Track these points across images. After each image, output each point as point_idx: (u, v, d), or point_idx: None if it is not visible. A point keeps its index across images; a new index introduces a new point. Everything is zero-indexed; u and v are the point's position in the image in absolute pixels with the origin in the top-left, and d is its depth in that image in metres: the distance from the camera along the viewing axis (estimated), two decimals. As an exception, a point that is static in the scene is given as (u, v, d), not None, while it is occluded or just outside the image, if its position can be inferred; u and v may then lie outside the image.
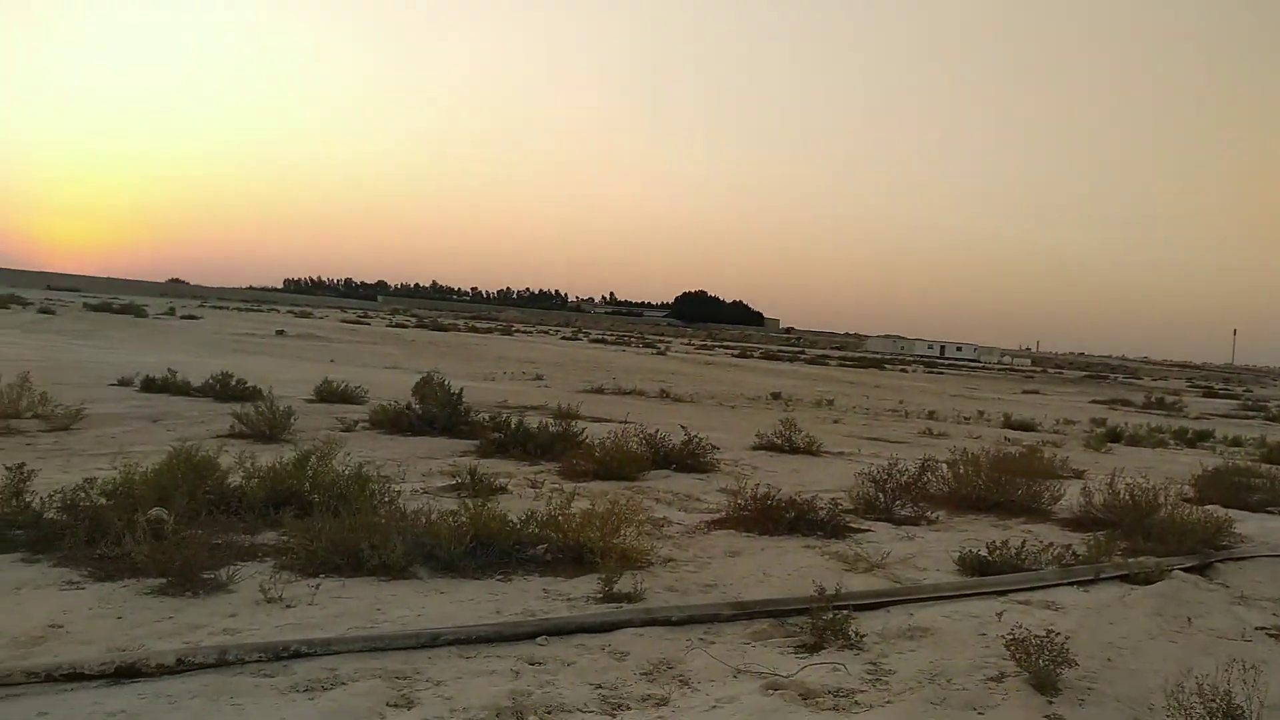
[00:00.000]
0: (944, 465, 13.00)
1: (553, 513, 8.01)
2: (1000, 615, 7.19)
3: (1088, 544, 9.33)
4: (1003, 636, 6.54)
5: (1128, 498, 11.27)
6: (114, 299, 76.88)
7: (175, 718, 4.37)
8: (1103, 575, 8.62)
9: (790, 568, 8.30)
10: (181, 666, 4.92)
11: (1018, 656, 5.72)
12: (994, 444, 17.93)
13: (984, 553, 8.69)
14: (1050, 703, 5.41)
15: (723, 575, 7.85)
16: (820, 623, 6.35)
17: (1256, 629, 7.51)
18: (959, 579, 8.30)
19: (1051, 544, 9.25)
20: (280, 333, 50.58)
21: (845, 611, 6.52)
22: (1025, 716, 5.13)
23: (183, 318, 60.80)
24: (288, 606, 6.14)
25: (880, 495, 11.33)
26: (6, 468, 7.72)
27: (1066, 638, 5.72)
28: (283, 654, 5.17)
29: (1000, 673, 5.86)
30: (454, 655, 5.50)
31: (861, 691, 5.45)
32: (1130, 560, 9.11)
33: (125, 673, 4.81)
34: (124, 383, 18.78)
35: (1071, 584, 8.39)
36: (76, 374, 20.16)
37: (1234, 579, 9.25)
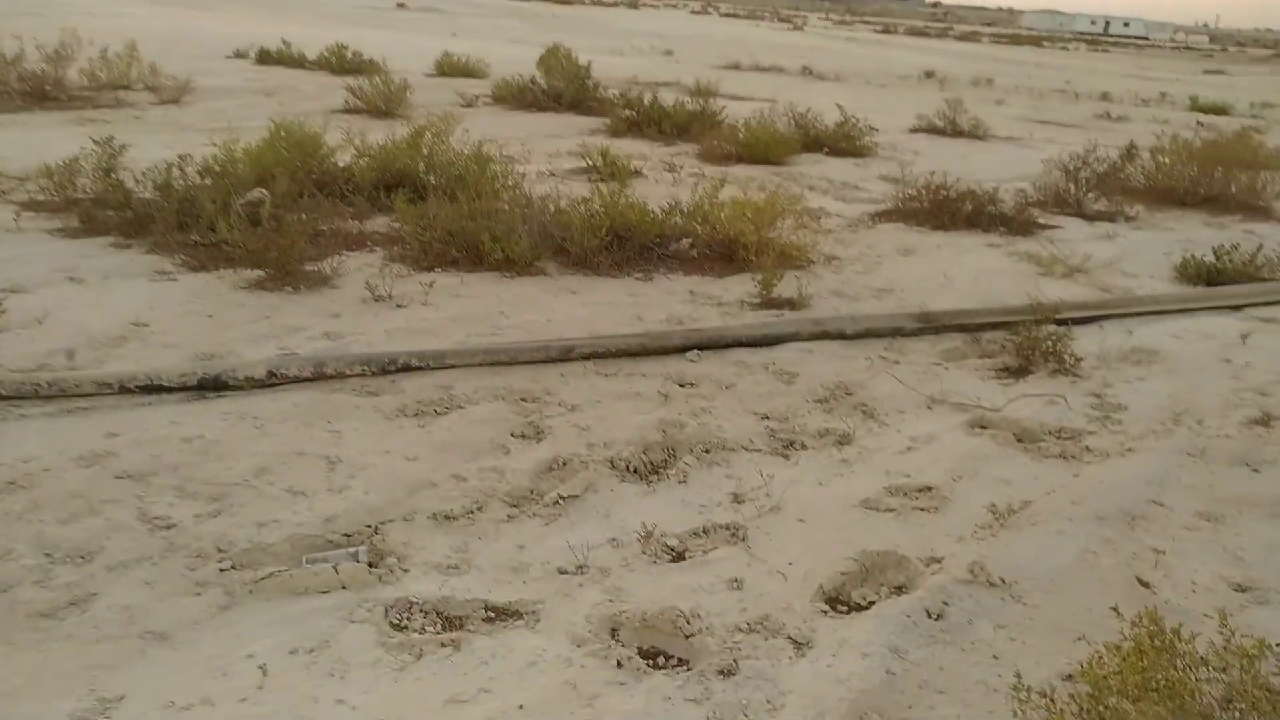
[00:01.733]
0: (1146, 153, 11.09)
1: (699, 202, 6.85)
2: (1245, 338, 5.89)
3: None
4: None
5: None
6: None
7: (261, 448, 3.63)
8: (1358, 287, 7.10)
9: (974, 270, 7.07)
10: (273, 380, 4.17)
11: (1299, 398, 4.51)
12: (1189, 129, 15.62)
13: (1210, 258, 7.24)
14: (1342, 458, 4.26)
15: (896, 278, 6.69)
16: (1027, 341, 5.21)
17: None
18: (1182, 290, 6.95)
19: (1294, 249, 7.68)
20: (400, 5, 48.39)
21: (1057, 328, 5.34)
22: (1317, 477, 4.00)
23: (301, -10, 58.66)
24: (398, 306, 5.32)
25: (1071, 186, 9.72)
26: (95, 141, 6.93)
27: (1368, 377, 4.46)
28: (390, 367, 4.36)
29: (1264, 414, 4.68)
30: (590, 372, 4.62)
31: (1090, 433, 4.39)
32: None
33: (210, 386, 4.09)
34: (239, 55, 17.92)
35: (1319, 297, 6.95)
36: (193, 46, 19.27)
37: None
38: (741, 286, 6.15)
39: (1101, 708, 2.17)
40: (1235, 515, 3.69)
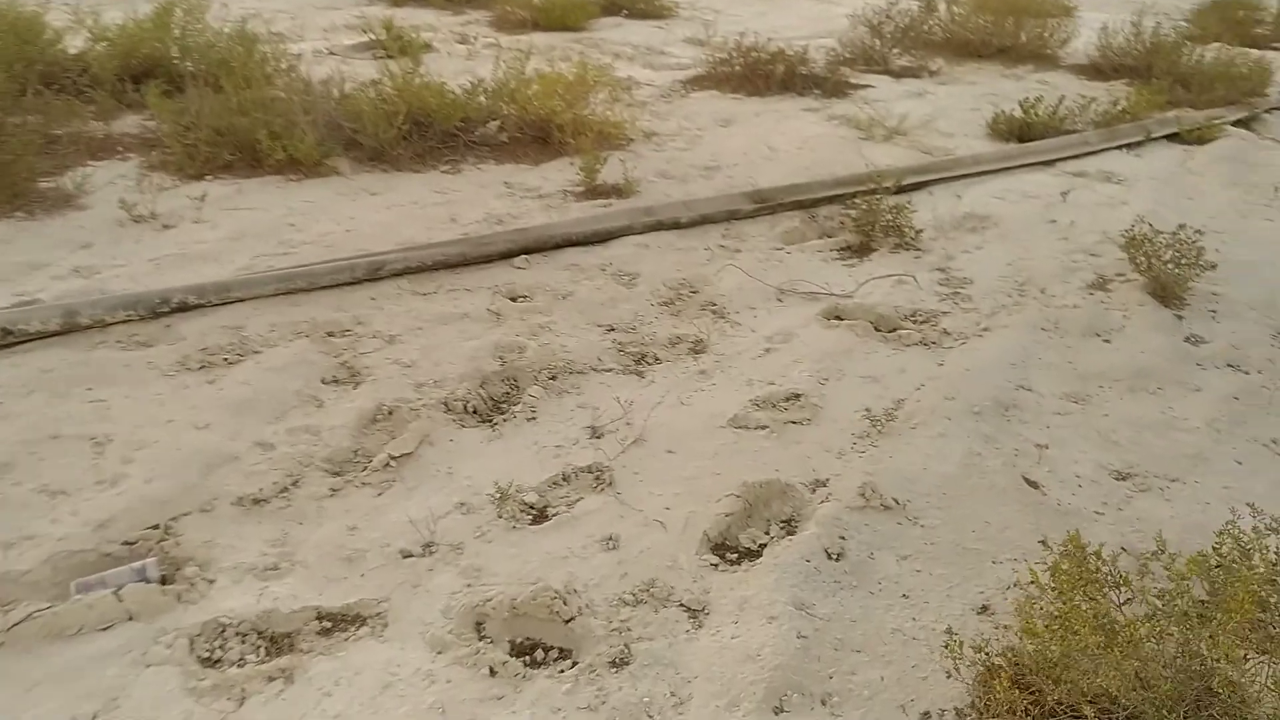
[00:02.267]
0: (942, 4, 11.07)
1: (505, 79, 6.18)
2: (1065, 195, 5.90)
3: (1129, 98, 7.89)
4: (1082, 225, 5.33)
5: (1148, 41, 9.77)
6: None
7: (0, 435, 2.90)
8: (1152, 136, 7.30)
9: (797, 138, 6.77)
10: (10, 339, 3.37)
11: (1138, 261, 4.47)
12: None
13: (1019, 113, 7.23)
14: (1180, 318, 4.27)
15: (720, 152, 6.30)
16: (866, 217, 4.97)
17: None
18: (998, 147, 6.89)
19: (1094, 99, 7.79)
20: None
21: (895, 199, 5.13)
22: (1165, 343, 3.98)
23: None
24: (165, 227, 4.49)
25: (877, 42, 9.55)
26: None
27: (1198, 232, 4.45)
28: (162, 309, 3.63)
29: (1099, 276, 4.66)
30: (406, 292, 4.02)
31: (944, 314, 4.21)
32: (1176, 116, 7.79)
33: (-76, 353, 3.26)
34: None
35: (1120, 147, 7.10)
36: None
37: (1281, 132, 8.06)
38: (561, 173, 5.61)
39: (1053, 667, 1.94)
40: (1099, 393, 3.60)
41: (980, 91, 8.66)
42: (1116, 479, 3.08)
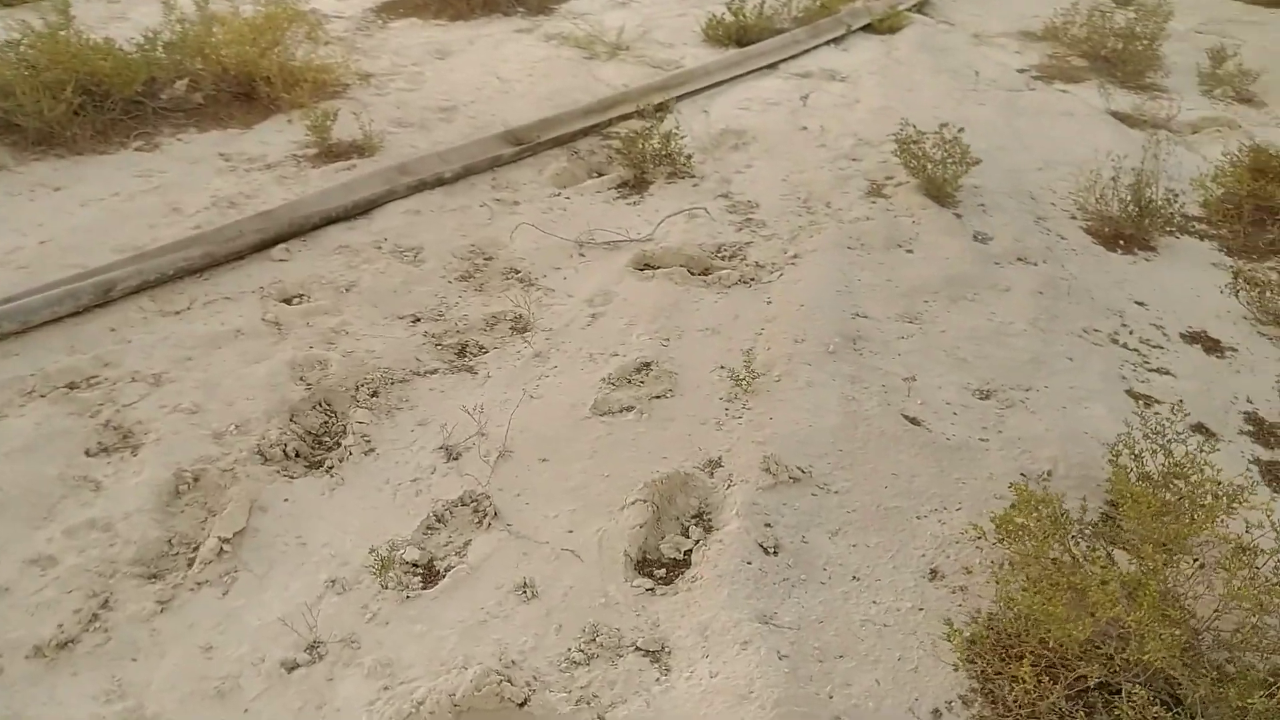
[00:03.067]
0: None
1: (184, 28, 5.22)
2: (805, 99, 5.94)
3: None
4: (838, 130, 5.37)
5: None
6: None
7: None
8: (851, 29, 7.55)
9: (522, 64, 6.32)
10: None
11: (911, 164, 4.53)
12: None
13: (729, 17, 7.19)
14: (959, 216, 4.39)
15: (450, 90, 5.74)
16: (634, 149, 4.70)
17: (1019, 71, 6.97)
18: (724, 55, 6.81)
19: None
20: None
21: (667, 129, 4.88)
22: (961, 246, 4.06)
23: None
24: None
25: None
26: None
27: (960, 130, 4.57)
28: None
29: (871, 182, 4.71)
30: (153, 314, 3.28)
31: (748, 244, 4.07)
32: (865, 6, 8.10)
33: None
34: None
35: (828, 43, 7.28)
36: None
37: (951, 14, 8.63)
38: (282, 134, 4.86)
39: (1082, 647, 1.84)
40: (927, 309, 3.61)
41: (675, -1, 8.56)
42: (981, 398, 3.09)
